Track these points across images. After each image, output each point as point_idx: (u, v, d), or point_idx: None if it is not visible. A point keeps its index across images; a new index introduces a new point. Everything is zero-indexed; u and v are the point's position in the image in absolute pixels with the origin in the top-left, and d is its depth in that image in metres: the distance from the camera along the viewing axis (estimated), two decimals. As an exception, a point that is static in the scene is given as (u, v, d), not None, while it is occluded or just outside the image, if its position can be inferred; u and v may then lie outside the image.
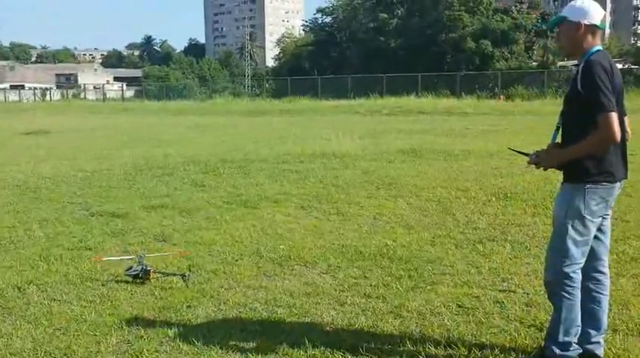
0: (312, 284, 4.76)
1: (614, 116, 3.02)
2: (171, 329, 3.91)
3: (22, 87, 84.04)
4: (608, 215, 3.35)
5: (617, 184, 3.25)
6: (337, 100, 35.52)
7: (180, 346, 3.64)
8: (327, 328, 3.93)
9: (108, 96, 62.19)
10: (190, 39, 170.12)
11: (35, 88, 78.89)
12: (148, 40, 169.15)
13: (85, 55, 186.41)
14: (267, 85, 57.89)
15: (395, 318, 4.04)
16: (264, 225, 6.70)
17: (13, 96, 73.66)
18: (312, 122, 24.05)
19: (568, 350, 3.28)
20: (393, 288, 4.60)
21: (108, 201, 8.15)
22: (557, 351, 3.28)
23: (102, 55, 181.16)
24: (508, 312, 4.11)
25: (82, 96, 70.83)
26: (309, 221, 6.87)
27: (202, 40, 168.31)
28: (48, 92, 77.46)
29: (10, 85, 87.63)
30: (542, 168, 3.38)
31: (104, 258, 5.08)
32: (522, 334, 3.75)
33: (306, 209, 7.49)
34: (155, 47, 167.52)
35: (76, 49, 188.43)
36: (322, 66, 61.15)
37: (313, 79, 46.61)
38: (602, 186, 3.18)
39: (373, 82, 41.98)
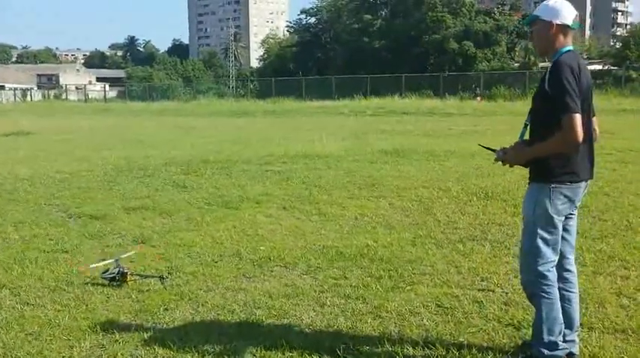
0: (292, 285, 4.72)
1: (578, 117, 3.04)
2: (147, 332, 3.86)
3: (2, 87, 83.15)
4: (573, 214, 3.37)
5: (582, 184, 3.27)
6: (322, 101, 35.56)
7: (156, 350, 3.59)
8: (306, 329, 3.89)
9: (90, 97, 61.74)
10: (174, 39, 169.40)
11: (15, 89, 78.09)
12: (132, 40, 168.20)
13: (67, 55, 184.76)
14: (251, 86, 57.77)
15: (374, 319, 4.02)
16: (245, 226, 6.65)
17: (-2, 96, 72.83)
18: (296, 123, 24.03)
19: (556, 350, 3.27)
20: (372, 289, 4.57)
21: (86, 202, 8.05)
22: (545, 352, 3.26)
23: (84, 55, 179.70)
24: (487, 311, 4.10)
25: (63, 96, 70.20)
26: (290, 222, 6.83)
27: (186, 40, 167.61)
28: (29, 93, 76.71)
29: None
30: (508, 165, 3.39)
31: (90, 266, 4.98)
32: (500, 333, 3.75)
33: (288, 210, 7.45)
34: (138, 48, 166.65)
35: (57, 49, 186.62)
36: (307, 67, 61.17)
37: (298, 80, 46.64)
38: (566, 186, 3.21)
39: (357, 82, 42.07)
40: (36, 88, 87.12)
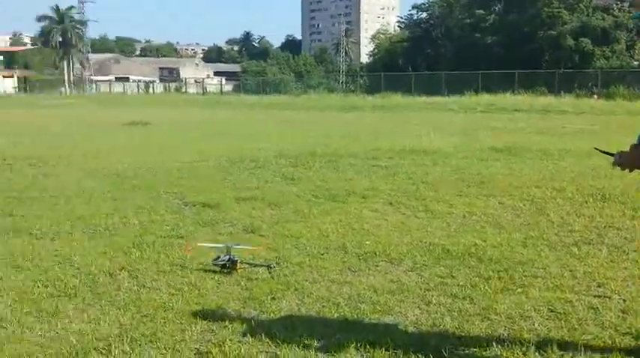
0: (397, 281, 4.68)
1: None
2: (254, 320, 3.94)
3: (127, 79, 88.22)
4: None
5: None
6: (430, 97, 35.07)
7: (262, 338, 3.66)
8: (411, 327, 3.84)
9: (208, 90, 64.19)
10: (287, 35, 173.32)
11: (139, 81, 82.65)
12: (247, 36, 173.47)
13: (187, 49, 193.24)
14: (361, 81, 57.96)
15: (482, 320, 3.90)
16: (351, 219, 6.67)
17: (117, 88, 77.58)
18: (404, 118, 23.85)
19: None
20: (481, 289, 4.45)
21: (201, 191, 8.36)
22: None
23: (203, 49, 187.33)
24: (603, 319, 3.88)
25: (183, 89, 73.55)
26: (396, 217, 6.78)
27: (299, 36, 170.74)
28: (151, 85, 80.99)
29: (116, 77, 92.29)
30: (627, 170, 3.16)
31: (198, 244, 5.19)
32: (617, 342, 3.53)
33: (394, 205, 7.40)
34: (254, 43, 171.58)
35: (178, 43, 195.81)
36: (416, 62, 60.58)
37: (407, 76, 46.29)
38: None
39: (468, 78, 41.16)
40: (158, 81, 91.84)
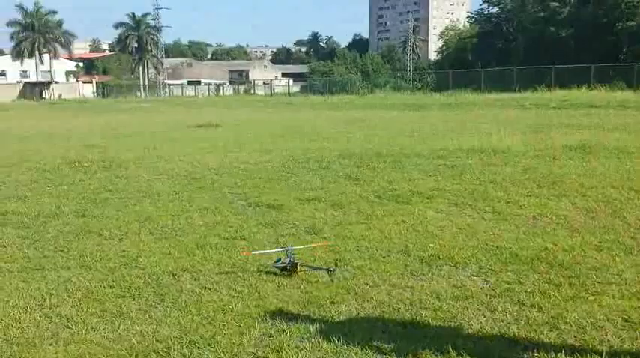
0: (462, 286, 4.53)
1: None
2: (313, 324, 3.89)
3: (199, 83, 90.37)
4: None
5: None
6: (501, 93, 34.21)
7: (321, 343, 3.60)
8: (475, 336, 3.69)
9: (276, 92, 64.91)
10: (355, 35, 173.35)
11: (210, 84, 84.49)
12: (315, 36, 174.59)
13: (256, 51, 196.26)
14: (428, 79, 57.22)
15: (551, 330, 3.71)
16: (415, 221, 6.53)
17: (189, 91, 79.55)
18: (473, 116, 23.33)
19: None
20: (550, 296, 4.24)
21: (265, 192, 8.39)
22: None
23: (271, 51, 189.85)
24: (685, 331, 3.62)
25: (252, 91, 74.64)
26: (462, 219, 6.59)
27: (366, 35, 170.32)
28: (221, 87, 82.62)
29: (188, 81, 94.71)
30: None
31: (254, 252, 5.18)
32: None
33: (460, 206, 7.21)
34: (321, 44, 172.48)
35: (248, 46, 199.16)
36: (486, 58, 59.32)
37: (476, 72, 45.31)
38: None
39: (540, 73, 39.92)
40: (228, 83, 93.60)
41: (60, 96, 70.98)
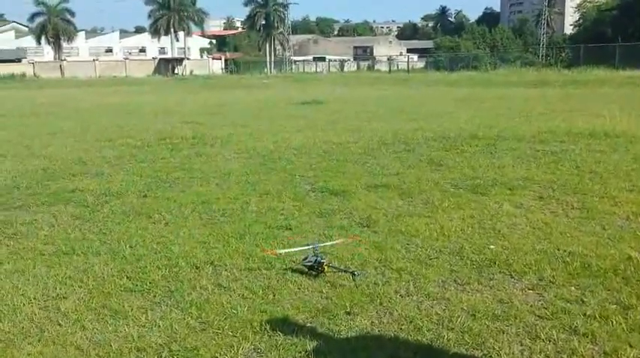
0: (507, 302, 3.79)
1: None
2: (314, 340, 3.36)
3: (323, 59, 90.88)
4: None
5: None
6: (636, 71, 31.17)
7: (310, 366, 3.07)
8: (498, 371, 3.00)
9: (400, 68, 63.72)
10: (486, 8, 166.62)
11: (333, 60, 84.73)
12: (443, 10, 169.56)
13: (382, 27, 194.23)
14: (562, 54, 53.69)
15: (598, 372, 2.94)
16: (485, 216, 5.75)
17: (314, 67, 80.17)
18: (596, 95, 21.35)
19: None
20: (612, 323, 3.42)
21: (335, 176, 7.87)
22: None
23: (398, 27, 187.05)
24: None
25: (374, 67, 73.92)
26: (540, 216, 5.72)
27: (498, 8, 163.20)
28: (345, 64, 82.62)
29: (313, 57, 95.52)
30: None
31: (279, 252, 4.68)
32: None
33: (544, 199, 6.31)
34: (449, 18, 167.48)
35: (374, 22, 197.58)
36: (627, 32, 54.41)
37: (611, 47, 41.65)
38: None
39: (687, 48, 35.99)
40: (352, 59, 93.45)
41: (191, 72, 73.88)
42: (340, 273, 4.30)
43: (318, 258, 4.35)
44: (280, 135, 12.06)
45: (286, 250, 4.64)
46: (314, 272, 4.36)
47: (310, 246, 4.50)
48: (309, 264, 4.39)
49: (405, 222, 5.64)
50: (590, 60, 38.98)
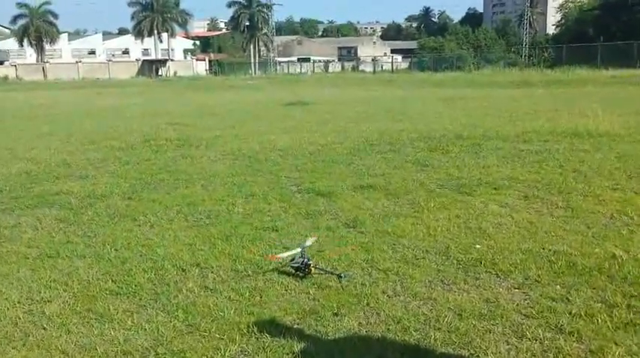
0: (494, 301, 3.81)
1: None
2: (301, 342, 3.35)
3: (308, 60, 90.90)
4: None
5: None
6: (619, 70, 31.47)
7: (296, 367, 3.07)
8: (485, 370, 3.02)
9: (384, 68, 63.84)
10: (469, 9, 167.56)
11: (318, 61, 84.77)
12: (426, 11, 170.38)
13: (366, 28, 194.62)
14: (545, 54, 54.07)
15: (584, 370, 2.97)
16: (470, 216, 5.77)
17: (299, 68, 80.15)
18: (578, 95, 21.52)
19: None
20: (597, 322, 3.45)
21: (322, 177, 7.87)
22: None
23: (382, 27, 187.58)
24: None
25: (358, 68, 74.05)
26: (525, 215, 5.76)
27: (481, 9, 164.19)
28: (330, 64, 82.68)
29: (298, 58, 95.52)
30: None
31: (278, 256, 4.64)
32: None
33: (529, 199, 6.35)
34: (432, 19, 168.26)
35: (358, 22, 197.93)
36: (609, 32, 54.93)
37: (593, 47, 41.98)
38: None
39: (668, 48, 36.38)
40: (336, 60, 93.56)
41: (175, 73, 73.59)
42: (326, 275, 4.30)
43: (305, 260, 4.34)
44: (266, 137, 12.04)
45: (286, 254, 4.59)
46: (301, 274, 4.35)
47: (301, 249, 4.49)
48: (297, 265, 4.39)
49: (391, 223, 5.65)
50: (572, 60, 39.29)
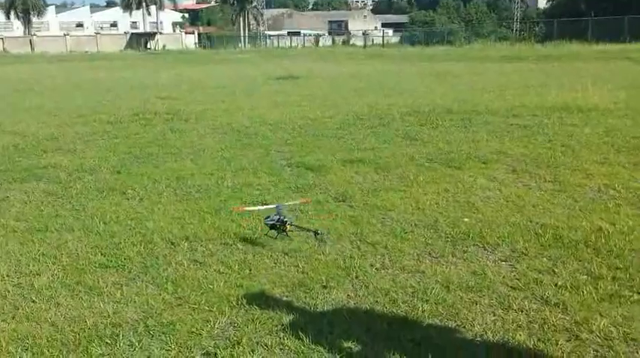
0: (481, 274, 3.84)
1: None
2: (290, 314, 3.37)
3: (298, 33, 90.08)
4: None
5: None
6: (608, 45, 31.45)
7: (285, 341, 3.08)
8: (471, 342, 3.05)
9: (375, 42, 63.40)
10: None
11: (308, 35, 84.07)
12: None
13: (357, 1, 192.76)
14: (536, 29, 53.86)
15: (568, 340, 3.01)
16: (459, 190, 5.80)
17: (288, 42, 79.49)
18: (569, 69, 21.49)
19: None
20: (582, 293, 3.49)
21: (311, 151, 7.87)
22: None
23: (373, 1, 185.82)
24: None
25: (349, 42, 73.51)
26: (513, 189, 5.79)
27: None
28: (320, 38, 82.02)
29: (288, 32, 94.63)
30: None
31: (244, 208, 4.69)
32: None
33: (518, 173, 6.38)
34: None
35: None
36: (601, 7, 54.67)
37: (584, 21, 41.85)
38: None
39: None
40: (327, 34, 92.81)
41: (164, 46, 72.86)
42: (300, 232, 4.39)
43: (281, 218, 4.40)
44: (256, 111, 12.00)
45: (253, 208, 4.66)
46: (277, 231, 4.42)
47: (273, 206, 4.54)
48: (272, 222, 4.45)
49: (380, 197, 5.67)
50: (563, 34, 39.10)
